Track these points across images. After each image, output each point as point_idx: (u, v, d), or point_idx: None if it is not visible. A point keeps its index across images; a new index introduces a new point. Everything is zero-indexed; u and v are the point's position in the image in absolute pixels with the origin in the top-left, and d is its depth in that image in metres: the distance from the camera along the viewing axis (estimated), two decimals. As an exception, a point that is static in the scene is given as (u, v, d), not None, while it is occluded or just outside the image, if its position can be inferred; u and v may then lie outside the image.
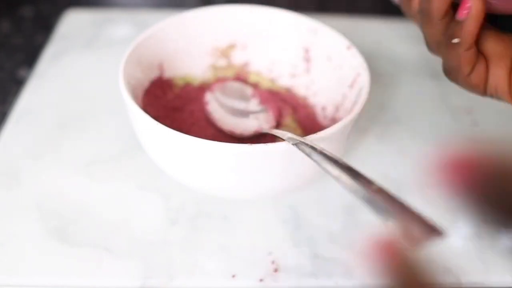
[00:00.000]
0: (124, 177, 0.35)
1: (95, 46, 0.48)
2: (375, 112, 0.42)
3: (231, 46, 0.37)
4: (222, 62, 0.38)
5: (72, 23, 0.51)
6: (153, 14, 0.51)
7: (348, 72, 0.35)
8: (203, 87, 0.37)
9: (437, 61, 0.50)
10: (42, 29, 0.52)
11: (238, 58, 0.39)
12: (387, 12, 0.55)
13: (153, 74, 0.32)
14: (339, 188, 0.35)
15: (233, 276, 0.29)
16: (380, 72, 0.47)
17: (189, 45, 0.36)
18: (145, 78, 0.33)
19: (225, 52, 0.37)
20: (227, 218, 0.33)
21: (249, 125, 0.35)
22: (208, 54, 0.37)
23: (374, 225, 0.33)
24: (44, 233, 0.31)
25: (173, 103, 0.36)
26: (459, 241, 0.32)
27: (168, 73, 0.34)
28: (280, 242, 0.31)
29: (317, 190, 0.35)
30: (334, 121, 0.35)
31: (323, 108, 0.37)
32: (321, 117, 0.37)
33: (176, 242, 0.31)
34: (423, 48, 0.53)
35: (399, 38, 0.52)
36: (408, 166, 0.37)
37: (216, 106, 0.36)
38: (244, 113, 0.36)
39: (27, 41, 0.51)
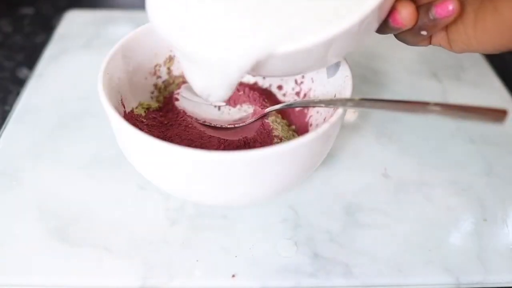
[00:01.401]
0: (124, 177, 0.35)
1: (95, 46, 0.48)
2: (374, 111, 0.42)
3: (170, 58, 0.37)
4: (164, 77, 0.37)
5: (72, 23, 0.51)
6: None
7: None
8: (166, 103, 0.37)
9: (437, 61, 0.50)
10: (42, 29, 0.52)
11: (177, 68, 0.38)
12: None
13: (121, 111, 0.32)
14: (339, 188, 0.35)
15: (233, 276, 0.29)
16: (379, 72, 0.47)
17: (136, 70, 0.35)
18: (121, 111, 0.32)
19: (168, 65, 0.37)
20: (227, 218, 0.33)
21: (240, 114, 0.35)
22: (151, 73, 0.36)
23: (372, 225, 0.33)
24: (44, 233, 0.31)
25: (155, 125, 0.34)
26: (458, 239, 0.32)
27: (128, 106, 0.33)
28: (280, 242, 0.31)
29: (317, 190, 0.35)
30: (299, 94, 0.37)
31: (279, 87, 0.38)
32: (279, 95, 0.38)
33: (176, 242, 0.31)
34: (423, 48, 0.53)
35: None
36: (408, 165, 0.37)
37: (200, 107, 0.35)
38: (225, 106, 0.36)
39: (27, 41, 0.51)
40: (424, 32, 0.27)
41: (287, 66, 0.26)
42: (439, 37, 0.28)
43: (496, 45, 0.26)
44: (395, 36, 0.29)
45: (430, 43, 0.29)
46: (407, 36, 0.28)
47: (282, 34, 0.24)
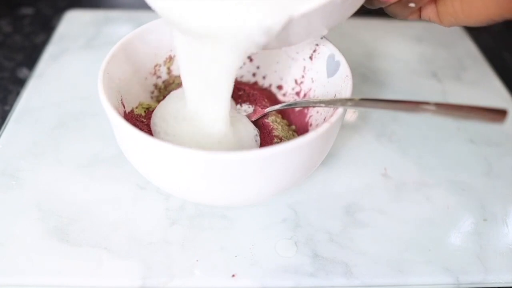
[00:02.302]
0: (124, 177, 0.35)
1: (95, 46, 0.48)
2: (373, 111, 0.42)
3: (170, 58, 0.37)
4: (164, 77, 0.37)
5: (72, 23, 0.51)
6: (152, 15, 0.51)
7: (300, 46, 0.35)
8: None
9: (437, 61, 0.50)
10: (42, 29, 0.52)
11: (177, 68, 0.37)
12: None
13: (121, 111, 0.32)
14: (339, 188, 0.35)
15: (233, 276, 0.29)
16: (379, 71, 0.47)
17: (136, 70, 0.34)
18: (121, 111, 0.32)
19: (167, 65, 0.37)
20: (227, 218, 0.33)
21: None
22: (151, 73, 0.36)
23: (372, 225, 0.33)
24: (44, 233, 0.31)
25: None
26: (458, 239, 0.32)
27: (128, 106, 0.33)
28: (280, 242, 0.31)
29: (317, 190, 0.35)
30: (299, 94, 0.37)
31: (279, 87, 0.38)
32: (279, 95, 0.38)
33: (176, 242, 0.31)
34: (423, 48, 0.54)
35: (398, 37, 0.52)
36: (408, 165, 0.37)
37: None
38: None
39: (27, 41, 0.51)
40: (412, 4, 0.27)
41: (292, 32, 0.26)
42: (429, 10, 0.29)
43: (482, 18, 0.26)
44: (385, 10, 0.29)
45: (420, 17, 0.30)
46: (396, 9, 0.29)
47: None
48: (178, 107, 0.33)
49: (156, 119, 0.33)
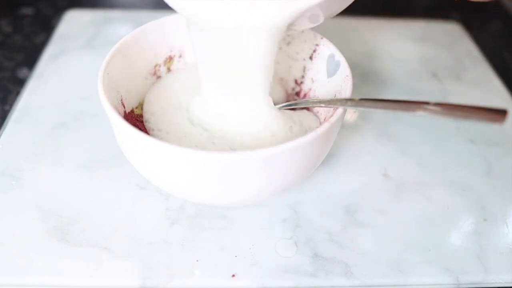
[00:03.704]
0: (124, 177, 0.35)
1: (95, 46, 0.48)
2: (373, 111, 0.42)
3: (170, 58, 0.37)
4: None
5: (72, 23, 0.51)
6: (152, 15, 0.51)
7: (300, 46, 0.35)
8: None
9: (437, 61, 0.50)
10: (42, 29, 0.52)
11: (177, 68, 0.37)
12: (386, 12, 0.55)
13: (121, 111, 0.32)
14: (339, 188, 0.35)
15: (233, 276, 0.29)
16: (379, 72, 0.47)
17: (136, 70, 0.34)
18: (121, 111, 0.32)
19: (167, 65, 0.37)
20: (227, 218, 0.33)
21: None
22: (151, 74, 0.36)
23: (372, 225, 0.33)
24: (44, 233, 0.31)
25: None
26: (458, 239, 0.32)
27: (128, 106, 0.33)
28: (280, 242, 0.31)
29: (317, 190, 0.35)
30: (299, 94, 0.37)
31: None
32: None
33: (176, 242, 0.31)
34: (423, 48, 0.54)
35: (398, 37, 0.52)
36: (408, 165, 0.37)
37: None
38: None
39: (27, 41, 0.51)
40: None
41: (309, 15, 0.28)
42: None
43: None
44: None
45: None
46: None
47: None
48: (164, 96, 0.33)
49: (147, 115, 0.33)
